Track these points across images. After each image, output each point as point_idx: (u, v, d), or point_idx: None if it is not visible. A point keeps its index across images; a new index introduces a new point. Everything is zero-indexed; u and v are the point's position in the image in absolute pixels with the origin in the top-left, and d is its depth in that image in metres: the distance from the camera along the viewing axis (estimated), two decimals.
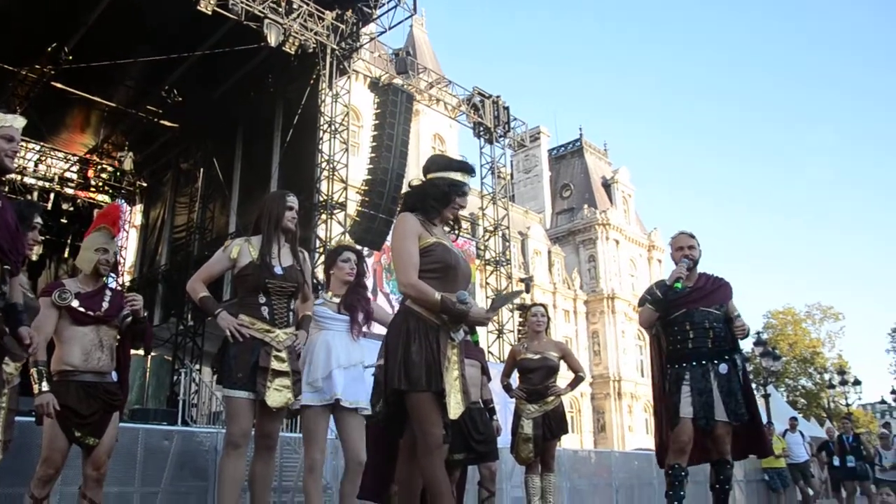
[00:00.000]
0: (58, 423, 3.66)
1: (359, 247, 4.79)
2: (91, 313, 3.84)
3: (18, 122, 2.96)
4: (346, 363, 4.26)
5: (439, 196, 3.30)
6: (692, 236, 4.67)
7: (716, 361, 4.41)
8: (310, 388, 4.22)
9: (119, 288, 4.25)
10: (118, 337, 4.02)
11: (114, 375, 3.97)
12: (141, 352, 4.31)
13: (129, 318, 4.00)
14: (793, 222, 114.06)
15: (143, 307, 4.06)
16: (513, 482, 8.41)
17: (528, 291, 27.98)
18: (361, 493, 4.41)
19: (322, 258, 14.48)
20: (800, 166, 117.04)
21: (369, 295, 4.68)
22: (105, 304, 3.91)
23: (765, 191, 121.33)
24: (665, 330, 4.58)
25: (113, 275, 4.11)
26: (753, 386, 20.79)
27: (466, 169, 3.37)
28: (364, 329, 4.41)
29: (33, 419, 3.71)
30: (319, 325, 4.41)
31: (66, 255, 21.72)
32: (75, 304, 3.82)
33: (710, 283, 4.61)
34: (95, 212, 22.41)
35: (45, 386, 3.60)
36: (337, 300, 4.46)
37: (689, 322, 4.46)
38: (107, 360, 3.88)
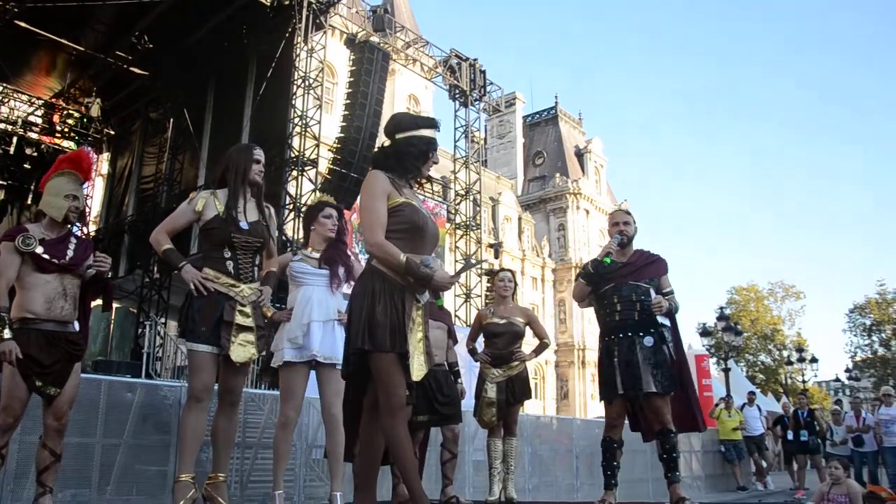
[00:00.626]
0: (18, 371, 3.58)
1: (337, 203, 4.70)
2: (56, 261, 3.73)
3: None
4: (323, 317, 4.25)
5: (419, 155, 3.27)
6: (628, 213, 4.76)
7: (641, 333, 4.44)
8: (290, 345, 4.21)
9: (84, 237, 4.11)
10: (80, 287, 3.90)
11: (76, 325, 3.86)
12: (99, 302, 4.20)
13: (93, 272, 3.88)
14: (761, 201, 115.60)
15: (108, 268, 3.95)
16: (475, 445, 8.48)
17: (496, 257, 28.10)
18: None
19: (292, 215, 14.39)
20: (768, 145, 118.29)
21: (349, 251, 4.65)
22: (70, 253, 3.79)
23: (735, 168, 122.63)
24: (597, 304, 4.64)
25: (78, 223, 3.98)
26: (714, 361, 21.01)
27: (435, 125, 3.35)
28: (345, 285, 4.37)
29: None
30: (298, 282, 4.38)
31: (28, 201, 21.25)
32: (39, 250, 3.69)
33: (643, 259, 4.66)
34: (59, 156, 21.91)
35: (6, 333, 3.53)
36: (316, 255, 4.42)
37: (618, 296, 4.52)
38: (70, 309, 3.78)
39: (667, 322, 4.56)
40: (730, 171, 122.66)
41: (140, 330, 17.03)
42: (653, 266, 4.65)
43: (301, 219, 4.75)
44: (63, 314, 3.74)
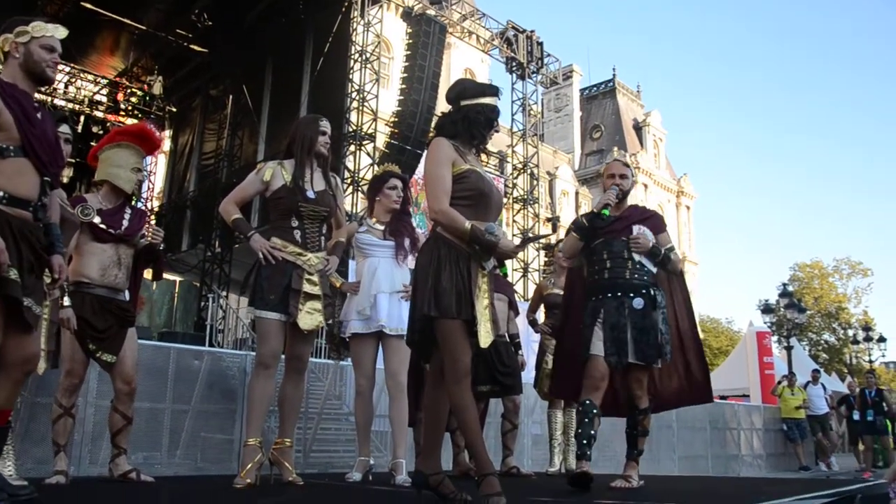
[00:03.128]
0: (75, 334, 3.73)
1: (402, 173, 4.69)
2: (112, 231, 3.88)
3: (60, 31, 2.89)
4: (390, 289, 4.28)
5: (486, 123, 3.26)
6: (626, 165, 4.40)
7: (631, 294, 4.05)
8: (358, 317, 4.27)
9: (138, 208, 4.25)
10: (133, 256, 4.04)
11: (126, 294, 4.01)
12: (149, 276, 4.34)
13: (145, 243, 4.02)
14: (828, 174, 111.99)
15: (161, 240, 4.08)
16: (533, 418, 8.49)
17: (554, 231, 27.92)
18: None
19: (350, 189, 14.50)
20: (838, 117, 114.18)
21: (413, 222, 4.67)
22: (125, 223, 3.95)
23: (799, 142, 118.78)
24: (587, 260, 4.26)
25: (141, 199, 4.10)
26: (776, 339, 20.36)
27: (498, 93, 3.34)
28: (410, 257, 4.38)
29: None
30: (364, 253, 4.42)
31: (96, 178, 21.88)
32: (97, 220, 3.85)
33: (638, 214, 4.33)
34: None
35: (66, 301, 3.69)
36: (381, 227, 4.44)
37: (608, 251, 4.14)
38: (122, 277, 3.93)
39: (652, 268, 4.15)
40: (793, 143, 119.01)
41: (203, 303, 17.46)
42: (648, 221, 4.30)
43: (366, 189, 4.77)
44: (116, 281, 3.89)
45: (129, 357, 3.96)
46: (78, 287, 3.79)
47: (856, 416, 12.47)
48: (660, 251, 4.18)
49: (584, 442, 3.99)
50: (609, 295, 4.07)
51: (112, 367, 3.89)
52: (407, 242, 4.39)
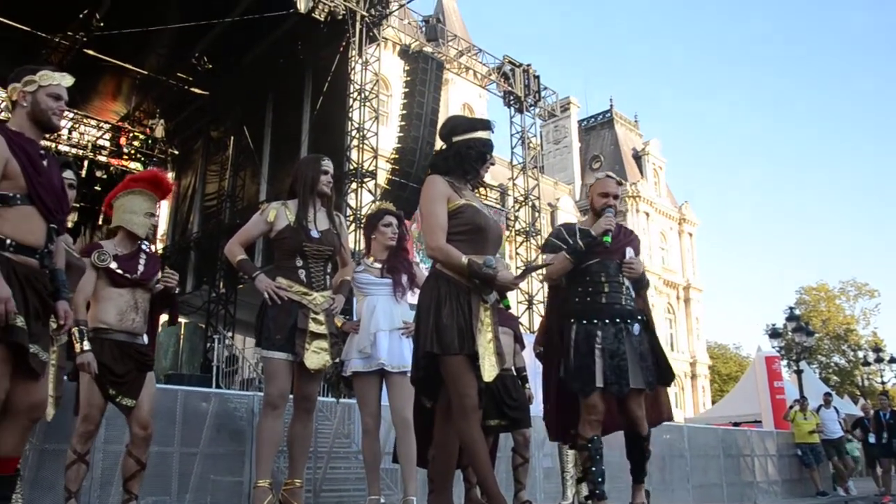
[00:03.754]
0: (94, 380, 3.74)
1: (397, 210, 4.70)
2: (128, 276, 3.92)
3: (66, 80, 2.94)
4: (389, 326, 4.27)
5: (477, 157, 3.29)
6: (620, 183, 4.28)
7: (629, 321, 3.95)
8: (359, 355, 4.26)
9: (153, 252, 4.29)
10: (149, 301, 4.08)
11: (145, 338, 4.04)
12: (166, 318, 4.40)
13: (161, 287, 4.06)
14: (828, 197, 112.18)
15: (176, 284, 4.12)
16: (544, 451, 8.41)
17: None
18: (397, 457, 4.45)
19: (353, 227, 14.54)
20: (837, 139, 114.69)
21: (412, 259, 4.68)
22: (141, 268, 3.99)
23: (799, 166, 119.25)
24: (573, 280, 4.06)
25: (147, 242, 4.16)
26: (785, 363, 20.28)
27: (490, 126, 3.37)
28: (409, 293, 4.38)
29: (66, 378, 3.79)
30: (363, 292, 4.42)
31: (100, 222, 21.99)
32: (113, 265, 3.89)
33: (624, 235, 4.19)
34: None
35: (86, 345, 3.70)
36: (378, 265, 4.45)
37: (605, 274, 3.99)
38: (140, 321, 3.96)
39: (633, 293, 4.07)
40: (792, 166, 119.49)
41: (208, 344, 17.42)
42: (633, 244, 4.19)
43: (361, 229, 4.78)
44: (134, 326, 3.92)
45: (147, 402, 3.98)
46: (97, 333, 3.82)
47: (871, 440, 12.31)
48: (645, 277, 4.18)
49: (600, 480, 3.92)
50: (607, 321, 3.93)
51: (130, 412, 3.90)
52: (404, 279, 4.39)
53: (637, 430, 4.02)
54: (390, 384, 4.31)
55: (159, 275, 4.05)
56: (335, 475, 7.12)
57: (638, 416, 3.99)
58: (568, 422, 4.13)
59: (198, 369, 17.27)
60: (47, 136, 3.06)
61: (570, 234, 4.10)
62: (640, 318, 4.05)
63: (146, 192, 4.13)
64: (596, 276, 4.01)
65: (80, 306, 3.74)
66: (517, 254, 20.33)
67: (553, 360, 4.21)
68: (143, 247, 4.14)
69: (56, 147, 19.87)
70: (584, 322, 3.96)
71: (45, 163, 2.83)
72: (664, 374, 4.08)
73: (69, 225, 17.58)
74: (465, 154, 3.27)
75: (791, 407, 13.95)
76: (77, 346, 3.68)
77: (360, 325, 4.32)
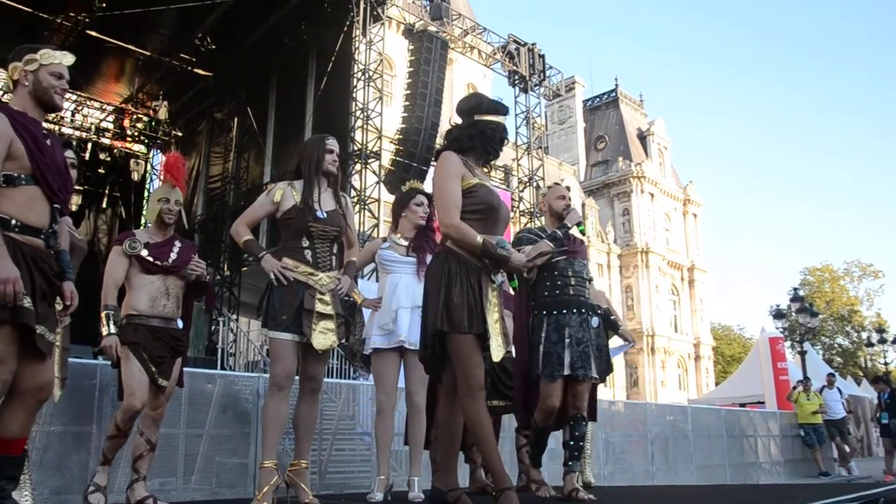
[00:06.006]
0: (136, 358, 3.87)
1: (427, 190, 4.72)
2: (159, 263, 4.04)
3: (67, 58, 2.93)
4: (411, 304, 4.28)
5: (498, 139, 3.30)
6: (568, 188, 4.76)
7: (590, 313, 4.40)
8: (380, 332, 4.28)
9: (188, 241, 4.39)
10: (184, 287, 4.20)
11: (179, 323, 4.14)
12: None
13: (193, 276, 4.19)
14: (834, 177, 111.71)
15: (205, 271, 4.27)
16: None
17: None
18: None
19: (357, 207, 14.52)
20: (842, 119, 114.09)
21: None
22: (173, 255, 4.11)
23: (804, 145, 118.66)
24: (541, 275, 4.41)
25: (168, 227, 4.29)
26: (789, 344, 20.48)
27: (507, 112, 3.39)
28: None
29: (80, 360, 3.84)
30: (387, 269, 4.45)
31: (104, 205, 22.00)
32: (144, 253, 4.01)
33: (576, 238, 4.63)
34: (132, 161, 22.63)
35: (112, 328, 3.85)
36: (404, 243, 4.47)
37: (572, 270, 4.41)
38: (172, 307, 4.07)
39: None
40: (798, 146, 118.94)
41: (213, 327, 17.47)
42: (583, 248, 4.68)
43: (392, 205, 4.80)
44: (166, 311, 4.03)
45: (169, 385, 4.11)
46: (130, 319, 3.96)
47: (884, 420, 12.36)
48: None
49: (540, 452, 4.56)
50: (574, 311, 4.32)
51: (161, 391, 4.03)
52: (429, 259, 4.39)
53: (581, 412, 4.38)
54: (408, 363, 4.32)
55: (190, 273, 4.17)
56: (341, 456, 7.15)
57: (582, 400, 4.37)
58: (533, 409, 4.44)
59: (203, 352, 17.33)
60: (50, 116, 3.05)
61: (541, 230, 4.54)
62: (598, 311, 4.51)
63: (168, 180, 4.28)
64: (564, 272, 4.40)
65: (109, 292, 3.92)
66: (534, 227, 20.29)
67: (522, 352, 4.48)
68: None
69: (60, 129, 19.82)
70: (555, 313, 4.33)
71: (48, 142, 2.82)
72: (607, 369, 4.53)
73: (73, 208, 17.62)
74: (490, 135, 3.29)
75: (794, 388, 13.98)
76: (104, 329, 3.82)
77: (381, 302, 4.33)
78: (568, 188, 4.71)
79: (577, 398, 4.32)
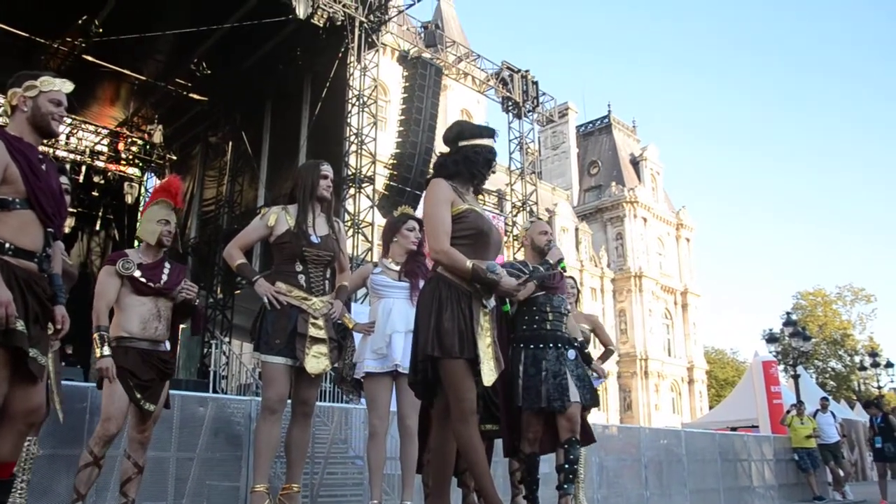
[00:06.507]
0: (120, 383, 3.77)
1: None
2: (151, 284, 3.97)
3: (67, 86, 2.96)
4: (405, 328, 4.27)
5: (485, 163, 3.32)
6: (548, 223, 5.00)
7: (567, 347, 4.57)
8: (373, 356, 4.26)
9: (178, 263, 4.34)
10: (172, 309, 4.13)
11: (167, 345, 4.09)
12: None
13: (183, 298, 4.12)
14: (826, 202, 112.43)
15: (196, 295, 4.19)
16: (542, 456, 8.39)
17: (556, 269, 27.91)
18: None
19: (350, 232, 14.55)
20: (834, 145, 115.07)
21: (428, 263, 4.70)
22: (164, 277, 4.04)
23: (797, 170, 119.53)
24: (521, 310, 4.60)
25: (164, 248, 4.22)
26: (782, 367, 20.60)
27: (495, 134, 3.42)
28: None
29: (73, 382, 3.81)
30: (379, 294, 4.44)
31: (97, 227, 21.98)
32: (137, 274, 3.94)
33: (560, 277, 4.81)
34: (126, 185, 22.66)
35: (106, 350, 3.73)
36: (396, 268, 4.47)
37: (550, 305, 4.58)
38: (163, 329, 4.00)
39: None
40: (790, 170, 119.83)
41: (206, 349, 17.39)
42: (562, 282, 4.84)
43: (382, 230, 4.82)
44: (156, 334, 3.97)
45: (157, 408, 4.03)
46: (120, 342, 3.87)
47: (878, 444, 12.35)
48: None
49: (535, 487, 4.56)
50: (550, 346, 4.50)
51: (148, 416, 3.95)
52: (422, 284, 4.40)
53: (575, 435, 4.49)
54: (401, 387, 4.30)
55: (182, 294, 4.10)
56: (332, 480, 7.12)
57: (576, 424, 4.49)
58: (518, 438, 4.61)
59: (195, 375, 17.24)
60: (45, 141, 3.07)
61: (524, 265, 4.70)
62: (575, 344, 4.66)
63: (164, 200, 4.21)
64: (542, 307, 4.57)
65: (101, 312, 3.82)
66: (515, 259, 20.32)
67: (502, 385, 4.55)
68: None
69: (54, 152, 19.87)
70: (532, 346, 4.51)
71: (43, 167, 2.84)
72: (592, 398, 4.65)
73: (66, 230, 17.58)
74: (473, 159, 3.29)
75: (788, 412, 13.97)
76: (97, 351, 3.73)
77: (374, 327, 4.33)
78: (550, 224, 4.97)
79: (571, 421, 4.44)
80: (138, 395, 3.86)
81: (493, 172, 3.52)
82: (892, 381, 27.70)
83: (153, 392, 3.93)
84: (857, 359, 39.81)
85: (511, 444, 4.69)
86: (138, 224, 4.33)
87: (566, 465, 4.45)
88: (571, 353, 4.56)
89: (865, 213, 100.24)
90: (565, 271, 4.57)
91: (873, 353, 27.98)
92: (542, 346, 4.49)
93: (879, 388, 26.24)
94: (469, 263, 3.07)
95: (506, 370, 4.44)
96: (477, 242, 3.20)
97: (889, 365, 25.87)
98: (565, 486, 4.42)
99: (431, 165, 3.83)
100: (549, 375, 4.40)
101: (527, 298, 4.54)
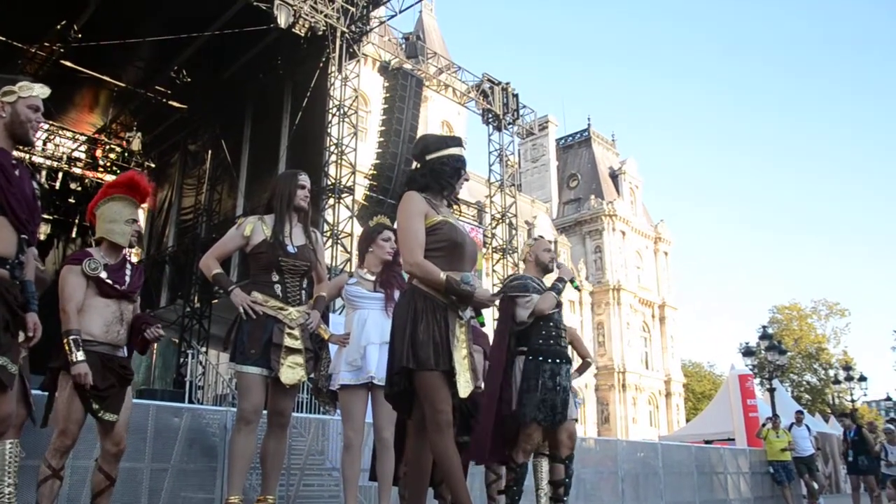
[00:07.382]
0: (76, 393, 3.61)
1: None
2: (117, 286, 3.80)
3: (44, 90, 2.90)
4: (380, 339, 4.23)
5: (452, 173, 3.33)
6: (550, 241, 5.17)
7: (569, 363, 4.77)
8: (348, 368, 4.23)
9: (137, 263, 4.17)
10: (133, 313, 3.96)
11: (125, 350, 3.93)
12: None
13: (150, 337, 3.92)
14: (801, 217, 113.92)
15: (159, 336, 3.97)
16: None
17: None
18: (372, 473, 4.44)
19: (329, 242, 14.51)
20: (809, 161, 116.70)
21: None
22: (127, 279, 3.88)
23: (773, 186, 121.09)
24: (537, 324, 4.68)
25: (129, 249, 4.05)
26: (758, 381, 20.84)
27: (461, 143, 3.43)
28: None
29: (41, 392, 3.71)
30: (354, 305, 4.41)
31: (73, 234, 21.72)
32: (104, 275, 3.77)
33: None
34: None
35: (80, 355, 3.55)
36: (371, 278, 4.44)
37: (557, 323, 4.74)
38: (124, 333, 3.85)
39: None
40: (767, 187, 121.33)
41: (182, 359, 17.23)
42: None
43: (358, 241, 4.79)
44: (118, 338, 3.81)
45: (124, 417, 3.82)
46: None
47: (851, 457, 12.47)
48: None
49: (517, 498, 4.62)
50: (558, 361, 4.63)
51: (111, 427, 3.76)
52: (397, 294, 4.38)
53: (572, 451, 4.75)
54: (376, 399, 4.27)
55: (151, 330, 3.89)
56: (308, 492, 7.07)
57: (574, 440, 4.78)
58: (503, 445, 4.68)
59: (171, 385, 17.07)
60: (20, 147, 3.02)
61: (538, 281, 4.82)
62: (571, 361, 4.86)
63: (126, 197, 4.00)
64: (557, 324, 4.72)
65: (72, 315, 3.62)
66: (494, 271, 20.38)
67: (493, 391, 4.67)
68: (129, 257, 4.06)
69: (30, 158, 19.62)
70: (550, 361, 4.61)
71: (17, 173, 2.80)
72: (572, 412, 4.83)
73: (41, 237, 17.36)
74: (439, 170, 3.30)
75: (763, 425, 14.07)
76: (71, 356, 3.53)
77: (349, 338, 4.28)
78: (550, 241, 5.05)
79: (572, 439, 4.73)
80: (96, 406, 3.66)
81: (466, 180, 3.52)
82: (865, 395, 28.03)
83: (112, 401, 3.73)
84: (831, 372, 40.16)
85: (492, 451, 4.72)
86: (99, 222, 4.05)
87: (567, 480, 4.71)
88: (569, 369, 4.76)
89: (841, 228, 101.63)
90: (579, 290, 4.76)
91: (847, 367, 28.29)
92: (559, 361, 4.63)
93: (853, 401, 26.52)
94: (443, 275, 3.07)
95: (504, 379, 4.61)
96: (452, 254, 3.20)
97: (862, 378, 26.18)
98: (565, 498, 4.67)
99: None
100: (561, 390, 4.56)
101: (545, 315, 4.66)
